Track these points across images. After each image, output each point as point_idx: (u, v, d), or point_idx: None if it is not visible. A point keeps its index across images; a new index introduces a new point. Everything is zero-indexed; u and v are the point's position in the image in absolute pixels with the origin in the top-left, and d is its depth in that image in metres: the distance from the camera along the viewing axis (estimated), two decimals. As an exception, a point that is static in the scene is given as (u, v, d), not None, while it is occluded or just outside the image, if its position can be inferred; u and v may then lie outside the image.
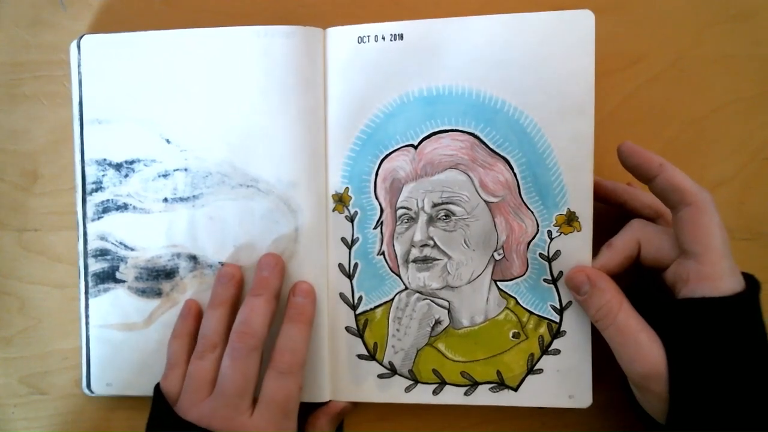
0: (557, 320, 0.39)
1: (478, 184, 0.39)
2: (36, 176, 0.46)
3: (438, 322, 0.40)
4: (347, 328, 0.41)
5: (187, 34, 0.41)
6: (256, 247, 0.40)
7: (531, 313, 0.39)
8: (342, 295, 0.41)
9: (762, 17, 0.41)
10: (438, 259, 0.40)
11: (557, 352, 0.39)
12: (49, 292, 0.46)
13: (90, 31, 0.45)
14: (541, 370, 0.39)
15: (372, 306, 0.41)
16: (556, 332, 0.39)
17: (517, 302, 0.40)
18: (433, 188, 0.39)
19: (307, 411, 0.41)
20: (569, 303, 0.39)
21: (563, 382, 0.39)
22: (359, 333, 0.41)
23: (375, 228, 0.41)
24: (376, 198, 0.40)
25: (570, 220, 0.38)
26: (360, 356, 0.41)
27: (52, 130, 0.46)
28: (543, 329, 0.39)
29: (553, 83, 0.37)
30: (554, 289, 0.39)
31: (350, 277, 0.41)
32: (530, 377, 0.39)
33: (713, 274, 0.32)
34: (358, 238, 0.41)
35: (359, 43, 0.40)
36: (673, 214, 0.34)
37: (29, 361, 0.46)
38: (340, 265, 0.41)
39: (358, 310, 0.41)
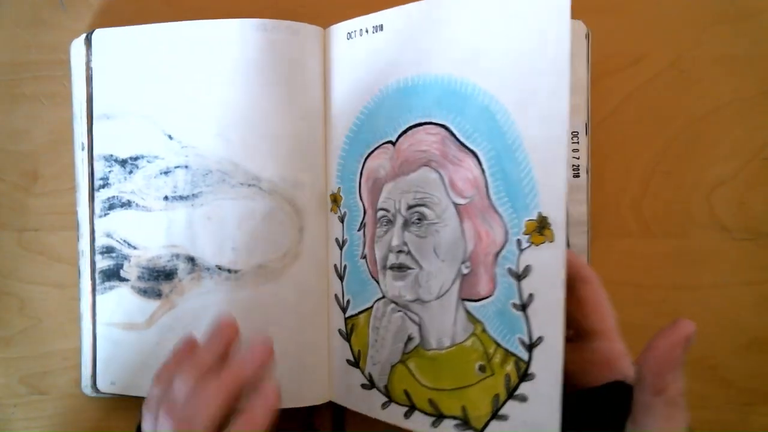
0: (525, 359, 0.31)
1: (447, 184, 0.34)
2: (36, 176, 0.46)
3: (410, 338, 0.36)
4: (339, 331, 0.40)
5: (193, 25, 0.40)
6: (256, 249, 0.40)
7: (498, 344, 0.33)
8: (336, 297, 0.40)
9: (762, 17, 0.41)
10: (411, 268, 0.36)
11: (524, 398, 0.31)
12: (49, 292, 0.46)
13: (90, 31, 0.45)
14: (506, 417, 0.32)
15: (357, 311, 0.39)
16: (524, 374, 0.32)
17: (484, 329, 0.33)
18: (408, 188, 0.36)
19: (309, 414, 0.41)
20: (539, 339, 0.31)
21: None
22: (347, 337, 0.40)
23: (359, 230, 0.39)
24: (361, 199, 0.39)
25: (541, 227, 0.31)
26: (348, 362, 0.39)
27: (52, 130, 0.46)
28: (510, 367, 0.32)
29: (525, 60, 0.31)
30: (523, 317, 0.32)
31: (341, 278, 0.40)
32: (495, 422, 0.33)
33: (623, 349, 0.31)
34: (346, 240, 0.39)
35: (348, 39, 0.38)
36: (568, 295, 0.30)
37: (29, 361, 0.46)
38: (335, 266, 0.40)
39: (347, 314, 0.39)
